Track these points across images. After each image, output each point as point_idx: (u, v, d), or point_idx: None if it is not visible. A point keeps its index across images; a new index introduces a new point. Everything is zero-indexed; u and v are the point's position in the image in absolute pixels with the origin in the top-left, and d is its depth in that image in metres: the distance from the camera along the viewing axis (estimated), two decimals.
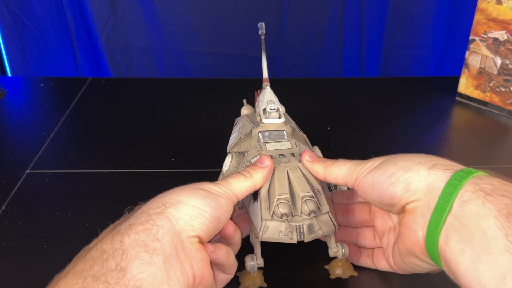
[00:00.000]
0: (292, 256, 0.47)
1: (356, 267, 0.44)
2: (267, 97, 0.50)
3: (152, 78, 1.07)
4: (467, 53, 0.77)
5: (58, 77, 1.03)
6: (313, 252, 0.46)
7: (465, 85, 0.79)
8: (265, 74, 0.55)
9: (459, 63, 0.80)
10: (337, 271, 0.43)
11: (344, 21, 1.12)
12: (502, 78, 0.74)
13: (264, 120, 0.48)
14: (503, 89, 0.75)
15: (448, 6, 1.10)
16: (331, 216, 0.40)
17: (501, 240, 0.29)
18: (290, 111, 0.55)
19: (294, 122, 0.51)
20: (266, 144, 0.45)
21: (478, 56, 0.76)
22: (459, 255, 0.31)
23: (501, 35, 0.72)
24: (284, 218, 0.39)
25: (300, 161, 0.43)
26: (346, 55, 1.17)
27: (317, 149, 0.50)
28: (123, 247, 0.31)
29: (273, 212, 0.39)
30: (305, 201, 0.39)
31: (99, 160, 0.64)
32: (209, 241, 0.37)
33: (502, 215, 0.30)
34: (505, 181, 0.33)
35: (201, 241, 0.35)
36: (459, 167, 0.35)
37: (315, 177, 0.42)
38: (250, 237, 0.43)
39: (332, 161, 0.42)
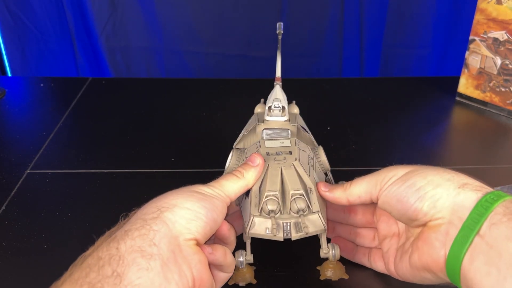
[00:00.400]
0: (286, 256, 0.47)
1: (350, 269, 0.44)
2: (274, 95, 0.50)
3: (152, 78, 1.07)
4: (467, 53, 0.77)
5: (58, 77, 1.03)
6: (309, 251, 0.46)
7: (465, 85, 0.79)
8: (278, 73, 0.55)
9: (459, 63, 0.80)
10: (328, 272, 0.43)
11: (344, 21, 1.12)
12: (502, 78, 0.74)
13: (267, 118, 0.48)
14: (503, 89, 0.75)
15: (448, 6, 1.10)
16: (321, 216, 0.40)
17: None
18: (290, 111, 0.55)
19: (304, 123, 0.51)
20: (266, 142, 0.45)
21: (478, 56, 0.76)
22: (484, 276, 0.31)
23: (501, 35, 0.72)
24: (272, 214, 0.39)
25: (296, 159, 0.43)
26: (346, 55, 1.17)
27: (321, 149, 0.50)
28: (119, 254, 0.31)
29: (262, 208, 0.39)
30: (294, 199, 0.39)
31: (99, 160, 0.64)
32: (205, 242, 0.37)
33: None
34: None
35: (198, 244, 0.35)
36: (489, 189, 0.35)
37: (311, 176, 0.42)
38: (243, 233, 0.43)
39: (349, 182, 0.42)
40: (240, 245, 0.42)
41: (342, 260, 0.44)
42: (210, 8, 1.12)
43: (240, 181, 0.40)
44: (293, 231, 0.39)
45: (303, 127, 0.50)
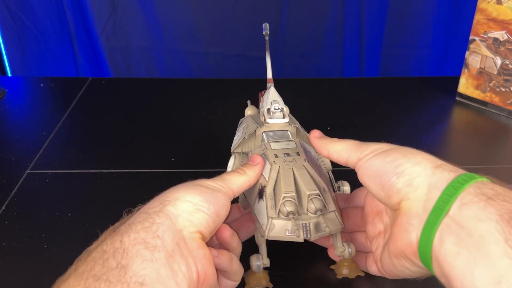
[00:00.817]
0: (295, 257, 0.47)
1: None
2: (271, 97, 0.50)
3: (152, 78, 1.07)
4: (467, 53, 0.77)
5: (58, 77, 1.03)
6: (315, 252, 0.46)
7: (465, 85, 0.79)
8: (269, 74, 0.55)
9: (459, 63, 0.80)
10: (344, 271, 0.43)
11: (344, 21, 1.12)
12: (502, 78, 0.74)
13: (268, 120, 0.48)
14: (503, 89, 0.75)
15: (448, 6, 1.10)
16: (337, 215, 0.40)
17: (500, 245, 0.28)
18: (290, 111, 0.55)
19: (298, 123, 0.51)
20: (271, 144, 0.45)
21: (478, 56, 0.76)
22: (454, 257, 0.30)
23: (501, 35, 0.72)
24: (291, 216, 0.38)
25: (305, 160, 0.42)
26: (346, 55, 1.17)
27: None
28: (123, 246, 0.31)
29: (279, 210, 0.39)
30: (311, 199, 0.39)
31: (99, 160, 0.64)
32: (211, 245, 0.37)
33: (503, 220, 0.29)
34: (508, 189, 0.32)
35: (203, 238, 0.35)
36: (464, 172, 0.35)
37: (320, 174, 0.42)
38: (255, 236, 0.43)
39: (338, 139, 0.43)
40: (250, 250, 0.42)
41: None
42: (210, 8, 1.12)
43: (242, 176, 0.41)
44: (313, 231, 0.39)
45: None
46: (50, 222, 0.53)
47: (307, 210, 0.39)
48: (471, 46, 0.76)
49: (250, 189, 0.43)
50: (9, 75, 1.20)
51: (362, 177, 0.39)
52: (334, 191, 0.50)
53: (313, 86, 0.89)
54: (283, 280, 0.44)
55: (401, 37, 1.15)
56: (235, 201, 0.45)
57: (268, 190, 0.40)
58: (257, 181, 0.42)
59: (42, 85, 0.88)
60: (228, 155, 0.50)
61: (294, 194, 0.39)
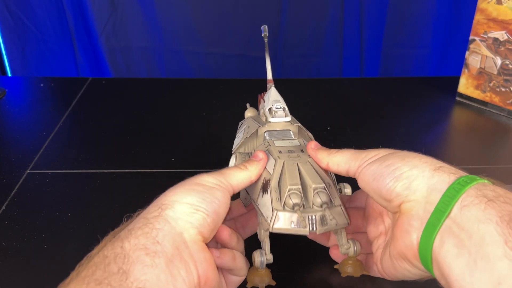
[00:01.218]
0: (295, 257, 0.47)
1: None
2: (273, 97, 0.50)
3: (152, 78, 1.07)
4: (467, 53, 0.77)
5: (58, 77, 1.03)
6: (317, 252, 0.46)
7: (465, 85, 0.79)
8: (269, 75, 0.55)
9: (459, 63, 0.80)
10: (348, 269, 0.42)
11: (344, 21, 1.12)
12: (502, 78, 0.74)
13: (270, 119, 0.48)
14: (503, 89, 0.75)
15: (448, 6, 1.10)
16: (343, 209, 0.39)
17: (500, 246, 0.28)
18: (290, 111, 0.55)
19: (299, 123, 0.51)
20: (275, 141, 0.45)
21: (478, 56, 0.76)
22: (453, 259, 0.30)
23: (501, 35, 0.72)
24: (297, 208, 0.38)
25: (310, 156, 0.42)
26: (346, 55, 1.17)
27: None
28: (124, 252, 0.31)
29: (285, 202, 0.38)
30: (317, 192, 0.39)
31: (99, 160, 0.64)
32: (214, 245, 0.37)
33: (503, 221, 0.29)
34: (508, 189, 0.32)
35: (204, 239, 0.35)
36: (464, 173, 0.35)
37: (325, 171, 0.42)
38: (258, 233, 0.43)
39: (336, 149, 0.42)
40: (254, 246, 0.42)
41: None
42: (210, 8, 1.12)
43: (243, 172, 0.40)
44: (319, 224, 0.38)
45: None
46: (50, 222, 0.53)
47: (313, 204, 0.39)
48: (471, 46, 0.76)
49: (253, 184, 0.42)
50: (9, 75, 1.20)
51: (361, 183, 0.39)
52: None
53: (313, 86, 0.89)
54: (283, 280, 0.44)
55: (401, 37, 1.15)
56: (237, 196, 0.45)
57: (273, 183, 0.40)
58: (261, 176, 0.42)
59: (42, 85, 0.88)
60: (228, 155, 0.50)
61: (299, 187, 0.39)
